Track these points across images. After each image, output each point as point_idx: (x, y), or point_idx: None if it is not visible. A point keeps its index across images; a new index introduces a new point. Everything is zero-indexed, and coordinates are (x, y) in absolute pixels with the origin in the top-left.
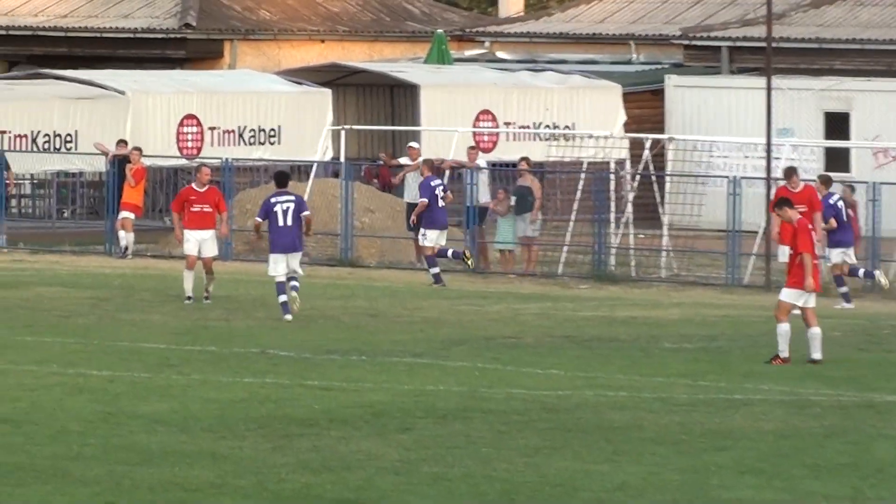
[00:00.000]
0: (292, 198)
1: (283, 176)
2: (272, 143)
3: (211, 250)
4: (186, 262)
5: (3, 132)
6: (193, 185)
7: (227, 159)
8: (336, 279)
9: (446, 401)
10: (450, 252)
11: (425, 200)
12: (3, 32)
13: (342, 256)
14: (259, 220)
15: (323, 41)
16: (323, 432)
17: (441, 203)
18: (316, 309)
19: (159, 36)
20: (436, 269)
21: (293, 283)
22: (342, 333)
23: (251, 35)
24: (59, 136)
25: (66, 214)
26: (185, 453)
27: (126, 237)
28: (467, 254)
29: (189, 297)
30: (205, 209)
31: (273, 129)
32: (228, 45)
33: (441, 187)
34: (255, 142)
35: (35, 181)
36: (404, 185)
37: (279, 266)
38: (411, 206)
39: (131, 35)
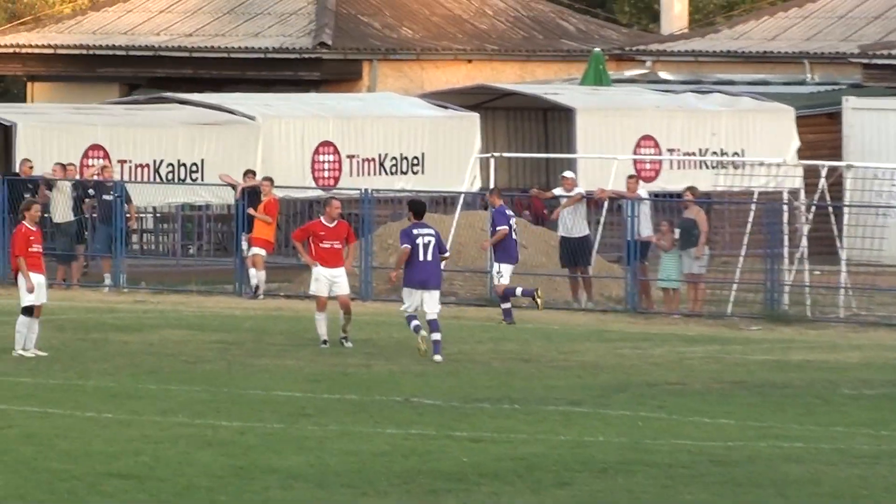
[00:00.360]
0: (432, 231)
1: (421, 206)
2: (415, 173)
3: (344, 289)
4: (317, 304)
5: (123, 161)
6: (322, 219)
7: (366, 190)
8: (485, 321)
9: (606, 453)
10: (519, 290)
11: (505, 229)
12: (123, 53)
13: (491, 296)
14: (408, 246)
15: (470, 61)
16: (472, 488)
17: (514, 235)
18: (464, 353)
19: (292, 56)
20: (507, 305)
21: (432, 324)
22: (492, 380)
23: (392, 55)
24: (184, 165)
25: (191, 251)
26: None
27: (257, 275)
28: (539, 293)
29: (325, 341)
30: (335, 245)
31: (416, 157)
32: (367, 66)
33: (514, 218)
34: (397, 171)
35: (158, 215)
36: (559, 219)
37: (414, 299)
38: (567, 241)
39: (262, 55)
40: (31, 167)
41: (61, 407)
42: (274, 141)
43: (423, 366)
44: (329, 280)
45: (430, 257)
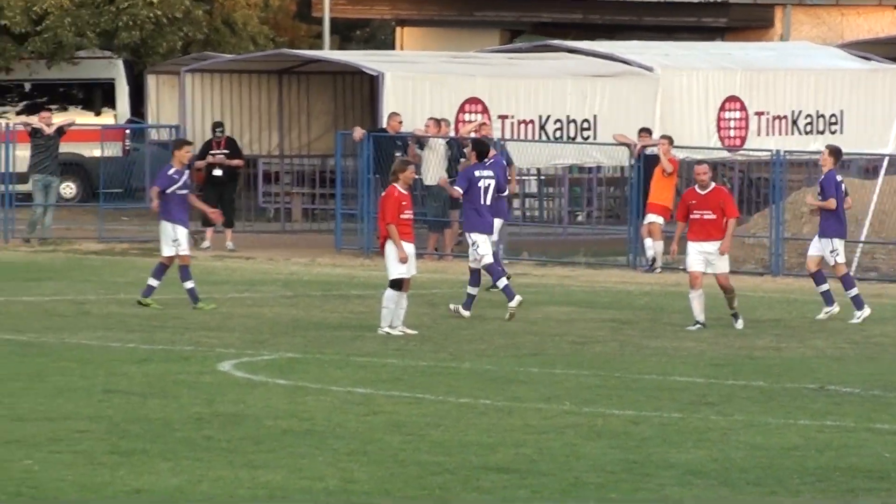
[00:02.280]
0: (492, 173)
1: (485, 146)
2: (832, 132)
3: (720, 267)
4: (690, 280)
5: (504, 117)
6: (696, 187)
7: (777, 151)
8: None
9: None
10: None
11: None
12: None
13: None
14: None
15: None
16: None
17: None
18: (886, 335)
19: (695, 0)
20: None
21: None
22: None
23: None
24: (574, 122)
25: (579, 218)
26: None
27: (654, 246)
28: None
29: (697, 323)
30: (705, 216)
31: (834, 115)
32: (780, 12)
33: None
34: (813, 130)
35: (543, 178)
36: None
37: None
38: None
39: None
40: (400, 122)
41: (432, 392)
42: (674, 95)
43: (840, 349)
44: (704, 257)
45: (489, 201)
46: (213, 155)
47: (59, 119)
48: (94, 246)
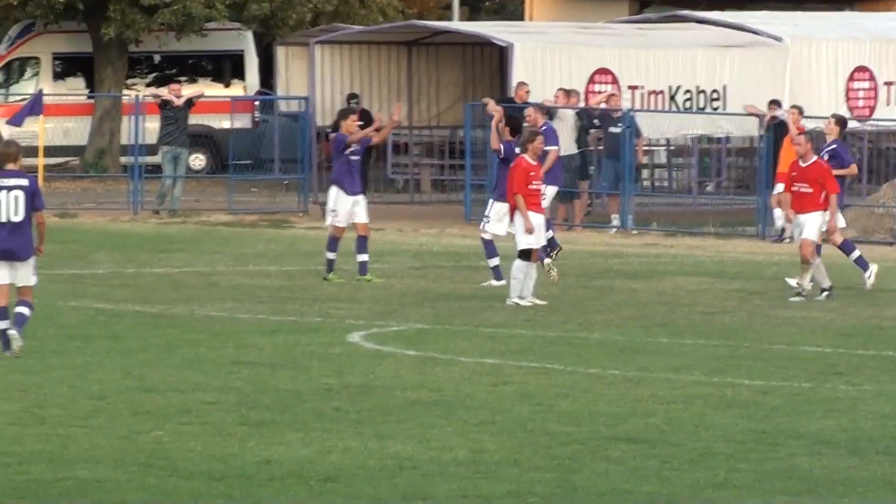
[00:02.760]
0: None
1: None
2: None
3: (808, 232)
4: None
5: (634, 88)
6: (799, 160)
7: None
8: None
9: None
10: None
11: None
12: None
13: None
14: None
15: None
16: None
17: None
18: None
19: None
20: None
21: None
22: None
23: None
24: (703, 92)
25: (709, 188)
26: (854, 480)
27: (782, 216)
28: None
29: (824, 290)
30: (802, 189)
31: None
32: None
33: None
34: None
35: (672, 148)
36: None
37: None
38: None
39: None
40: (528, 92)
41: (562, 362)
42: (804, 66)
43: None
44: (800, 226)
45: None
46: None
47: (188, 91)
48: (223, 217)
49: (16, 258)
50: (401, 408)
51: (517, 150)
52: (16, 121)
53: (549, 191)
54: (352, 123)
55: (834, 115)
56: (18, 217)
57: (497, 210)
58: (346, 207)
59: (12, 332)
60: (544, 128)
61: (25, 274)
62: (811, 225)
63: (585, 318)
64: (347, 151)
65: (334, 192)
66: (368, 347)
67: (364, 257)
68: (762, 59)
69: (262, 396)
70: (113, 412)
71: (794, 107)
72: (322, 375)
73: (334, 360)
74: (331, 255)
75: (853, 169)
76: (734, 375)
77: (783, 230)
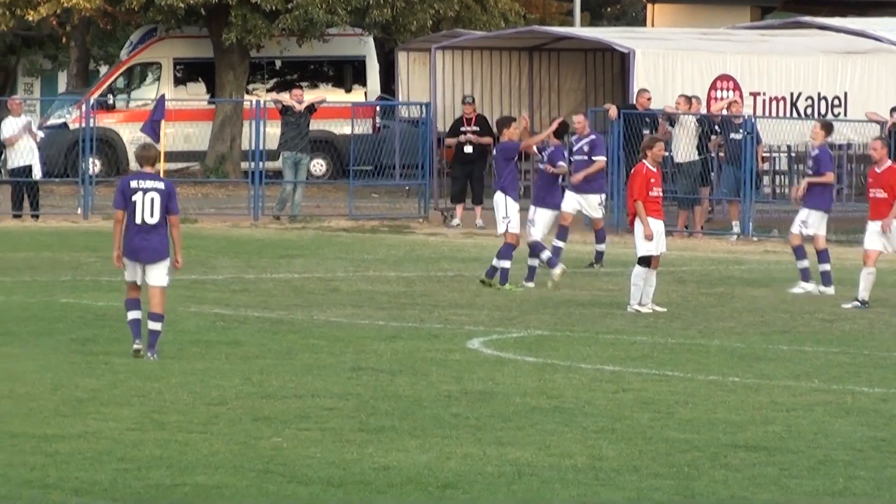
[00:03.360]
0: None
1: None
2: None
3: (890, 245)
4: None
5: (756, 94)
6: (874, 165)
7: None
8: None
9: None
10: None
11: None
12: None
13: None
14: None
15: None
16: None
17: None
18: None
19: None
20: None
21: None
22: None
23: None
24: (825, 99)
25: None
26: None
27: None
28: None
29: (856, 301)
30: (877, 195)
31: None
32: None
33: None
34: None
35: (793, 154)
36: None
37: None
38: None
39: None
40: (649, 99)
41: (681, 369)
42: None
43: None
44: (877, 234)
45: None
46: (464, 132)
47: (309, 97)
48: (343, 223)
49: (147, 259)
50: (520, 414)
51: (566, 154)
52: (148, 130)
53: (593, 200)
54: (514, 131)
55: (820, 121)
56: (153, 219)
57: (541, 215)
58: (514, 213)
59: (148, 355)
60: (592, 137)
61: (157, 275)
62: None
63: (706, 325)
64: (516, 158)
65: (503, 199)
66: (488, 354)
67: (506, 264)
68: (884, 65)
69: (381, 402)
70: (232, 418)
71: None
72: (441, 382)
73: (454, 366)
74: (506, 264)
75: (829, 177)
76: (854, 383)
77: None
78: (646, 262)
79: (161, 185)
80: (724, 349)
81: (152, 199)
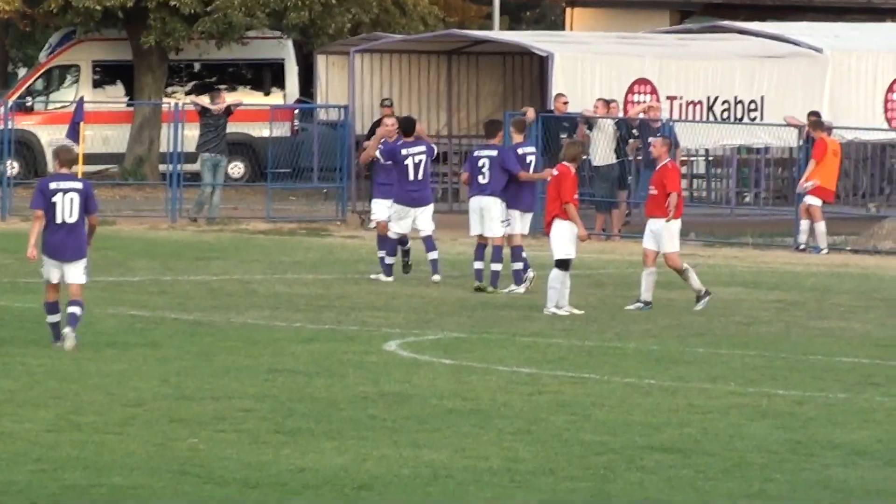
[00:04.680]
0: (423, 148)
1: (411, 123)
2: None
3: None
4: None
5: (673, 98)
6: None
7: None
8: None
9: None
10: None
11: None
12: None
13: None
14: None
15: None
16: None
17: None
18: None
19: None
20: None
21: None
22: None
23: None
24: (741, 103)
25: (747, 199)
26: (890, 492)
27: (816, 227)
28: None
29: None
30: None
31: None
32: None
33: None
34: None
35: (710, 158)
36: None
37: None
38: None
39: None
40: (566, 103)
41: (598, 372)
42: (843, 77)
43: None
44: None
45: (420, 176)
46: None
47: (228, 99)
48: (261, 226)
49: (68, 258)
50: (436, 416)
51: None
52: (72, 136)
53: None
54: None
55: (514, 119)
56: (73, 219)
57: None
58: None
59: (66, 331)
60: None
61: (76, 272)
62: None
63: (622, 328)
64: None
65: (495, 204)
66: (405, 356)
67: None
68: (801, 69)
69: (297, 404)
70: (149, 419)
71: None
72: (358, 384)
73: (371, 368)
74: (498, 267)
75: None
76: (770, 386)
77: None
78: (564, 265)
79: (80, 186)
80: (641, 352)
81: (72, 199)
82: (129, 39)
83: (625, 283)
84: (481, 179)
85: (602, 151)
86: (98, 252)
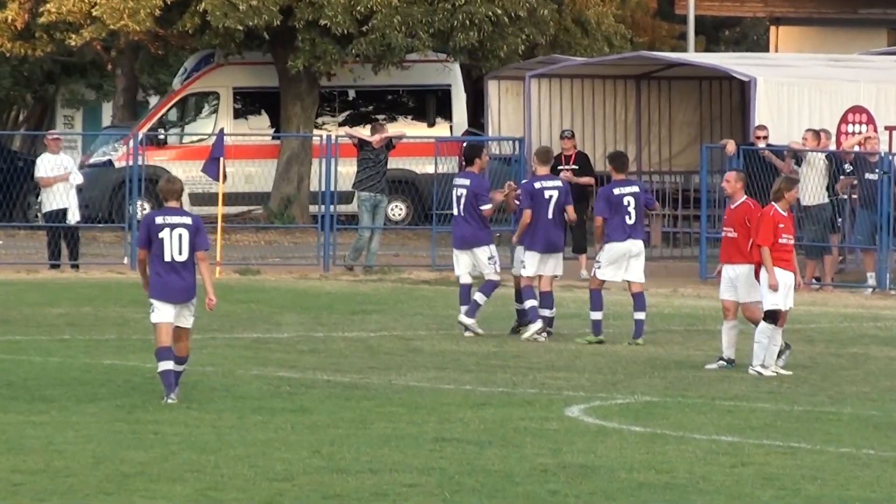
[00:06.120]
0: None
1: (472, 151)
2: None
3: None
4: None
5: (892, 128)
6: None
7: None
8: None
9: None
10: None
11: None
12: None
13: None
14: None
15: None
16: None
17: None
18: None
19: None
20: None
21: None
22: None
23: None
24: None
25: None
26: None
27: None
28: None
29: None
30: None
31: None
32: None
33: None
34: None
35: None
36: None
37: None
38: None
39: None
40: (766, 137)
41: (809, 441)
42: None
43: None
44: None
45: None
46: (560, 170)
47: (389, 131)
48: (425, 274)
49: (182, 299)
50: (626, 491)
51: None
52: (211, 172)
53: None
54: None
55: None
56: (182, 257)
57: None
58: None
59: (171, 400)
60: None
61: (186, 315)
62: None
63: (837, 391)
64: None
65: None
66: (590, 422)
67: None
68: None
69: (467, 478)
70: (299, 496)
71: None
72: (536, 454)
73: (551, 436)
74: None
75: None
76: None
77: None
78: (772, 317)
79: (188, 220)
80: (858, 418)
81: (180, 235)
82: (275, 63)
83: (838, 339)
84: (628, 220)
85: (812, 189)
86: (241, 305)
